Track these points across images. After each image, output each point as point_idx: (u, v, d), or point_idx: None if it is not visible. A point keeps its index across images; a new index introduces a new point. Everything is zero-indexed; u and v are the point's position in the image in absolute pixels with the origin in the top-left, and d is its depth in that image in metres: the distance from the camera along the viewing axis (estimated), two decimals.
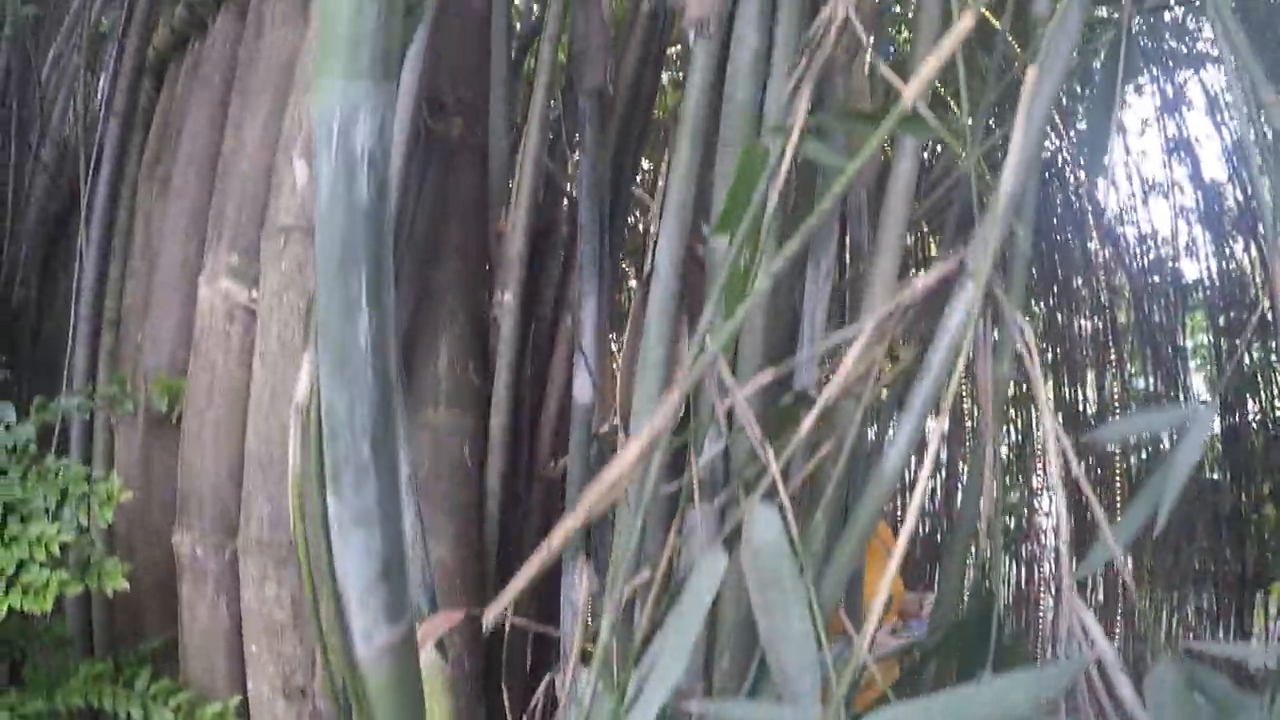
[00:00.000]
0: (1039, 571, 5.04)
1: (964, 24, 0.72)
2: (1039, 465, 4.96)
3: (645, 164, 3.75)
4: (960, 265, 0.81)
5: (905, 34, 3.93)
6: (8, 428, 2.24)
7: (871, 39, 1.24)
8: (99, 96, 4.05)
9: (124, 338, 2.79)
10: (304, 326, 1.81)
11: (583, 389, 1.77)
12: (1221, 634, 5.14)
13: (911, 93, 0.71)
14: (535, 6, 2.35)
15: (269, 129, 2.02)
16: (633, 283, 3.95)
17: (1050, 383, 4.87)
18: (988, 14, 4.14)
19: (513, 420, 1.86)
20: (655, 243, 1.28)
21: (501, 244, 1.85)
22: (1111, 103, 1.61)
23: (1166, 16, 4.45)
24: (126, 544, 2.38)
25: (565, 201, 2.26)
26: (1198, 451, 0.99)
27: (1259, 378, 4.73)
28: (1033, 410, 4.96)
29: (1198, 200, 4.72)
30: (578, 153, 2.08)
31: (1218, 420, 5.01)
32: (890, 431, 1.00)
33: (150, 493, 2.37)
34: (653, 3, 2.19)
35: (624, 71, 2.15)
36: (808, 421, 0.84)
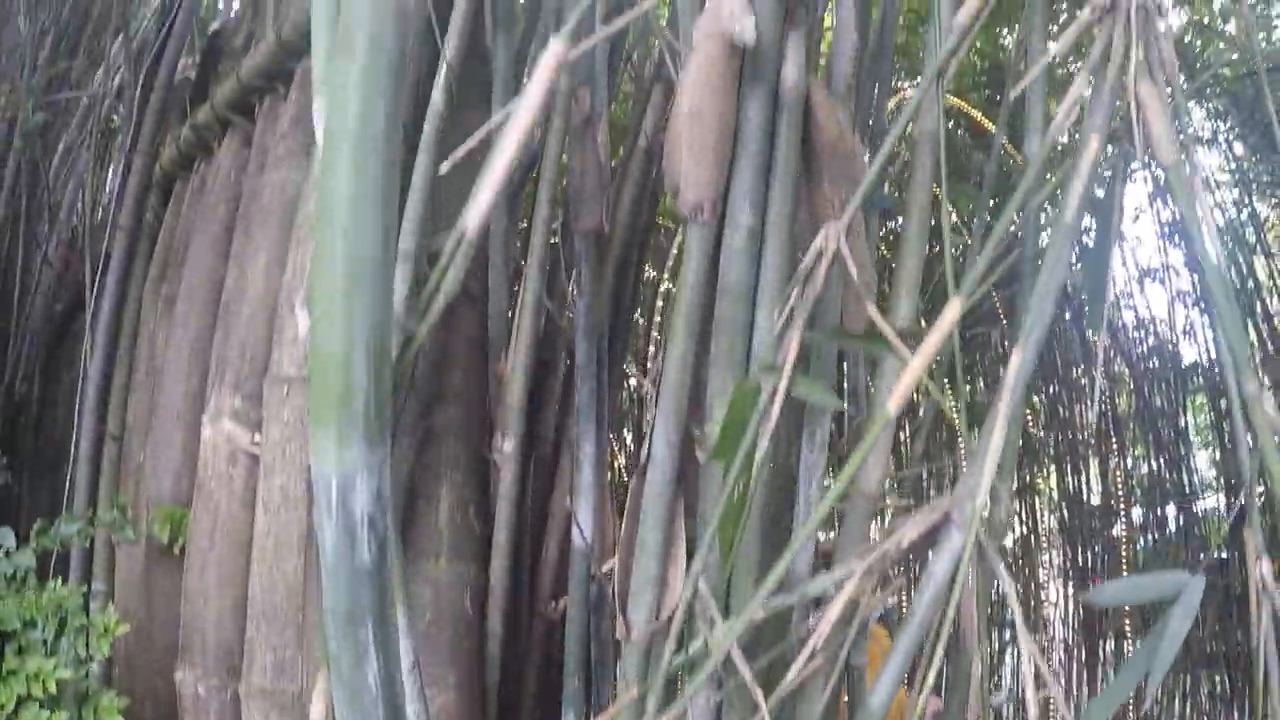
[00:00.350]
0: (1047, 663, 4.97)
1: (950, 315, 0.74)
2: (1044, 556, 4.94)
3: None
4: (945, 517, 0.83)
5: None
6: (7, 554, 2.24)
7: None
8: (106, 190, 4.11)
9: (127, 454, 2.81)
10: (306, 479, 1.83)
11: (579, 537, 1.78)
12: (1235, 717, 5.07)
13: (894, 404, 0.73)
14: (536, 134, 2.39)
15: (271, 271, 2.06)
16: (633, 381, 3.96)
17: (1053, 473, 4.87)
18: (983, 118, 4.20)
19: (513, 562, 1.87)
20: (652, 428, 1.29)
21: (502, 389, 1.87)
22: (1108, 249, 1.63)
23: None
24: (128, 669, 2.37)
25: (564, 325, 2.28)
26: (1189, 623, 1.00)
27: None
28: (1037, 499, 4.95)
29: (1194, 283, 4.75)
30: (573, 281, 2.10)
31: (1224, 499, 4.97)
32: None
33: (152, 617, 2.37)
34: (649, 139, 2.24)
35: (621, 205, 2.19)
36: (793, 672, 0.85)
